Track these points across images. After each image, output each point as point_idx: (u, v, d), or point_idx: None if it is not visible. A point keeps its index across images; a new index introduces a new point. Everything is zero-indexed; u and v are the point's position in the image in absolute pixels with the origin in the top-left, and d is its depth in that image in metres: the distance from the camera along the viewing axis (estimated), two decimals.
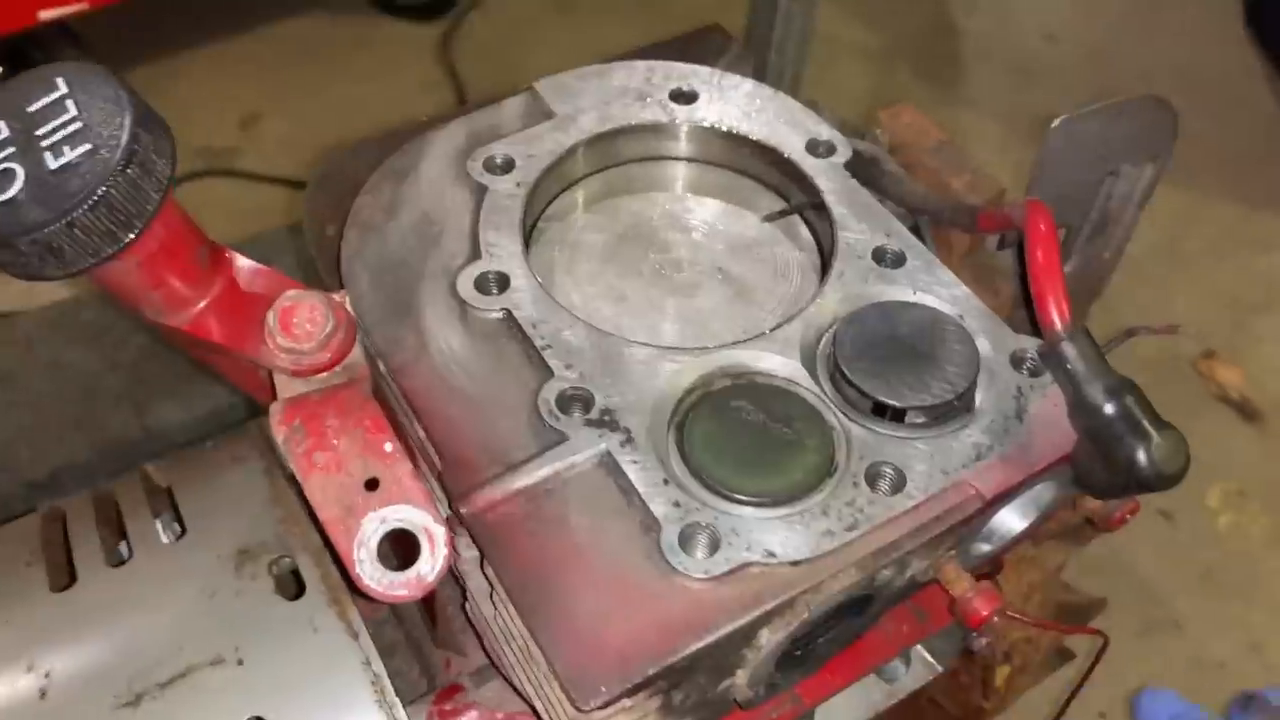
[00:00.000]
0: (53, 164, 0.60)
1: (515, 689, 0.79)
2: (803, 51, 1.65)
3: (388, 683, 0.82)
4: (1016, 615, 0.85)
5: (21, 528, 0.94)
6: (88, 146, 0.61)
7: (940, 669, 0.97)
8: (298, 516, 0.89)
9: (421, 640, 0.99)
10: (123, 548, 0.90)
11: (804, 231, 0.89)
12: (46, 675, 0.81)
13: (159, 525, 0.91)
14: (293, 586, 0.86)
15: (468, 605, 0.80)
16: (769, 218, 0.89)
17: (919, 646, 0.98)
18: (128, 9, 2.60)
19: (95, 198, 0.60)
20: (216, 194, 2.67)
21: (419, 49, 3.16)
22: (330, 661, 0.82)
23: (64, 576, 0.88)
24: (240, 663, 0.82)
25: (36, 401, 1.85)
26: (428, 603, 0.90)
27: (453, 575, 0.83)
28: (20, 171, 0.61)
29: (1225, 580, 2.23)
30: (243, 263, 0.73)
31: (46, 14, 2.40)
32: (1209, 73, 3.29)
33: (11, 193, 0.60)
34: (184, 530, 0.90)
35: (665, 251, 0.87)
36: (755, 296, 0.84)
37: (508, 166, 0.86)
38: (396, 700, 0.82)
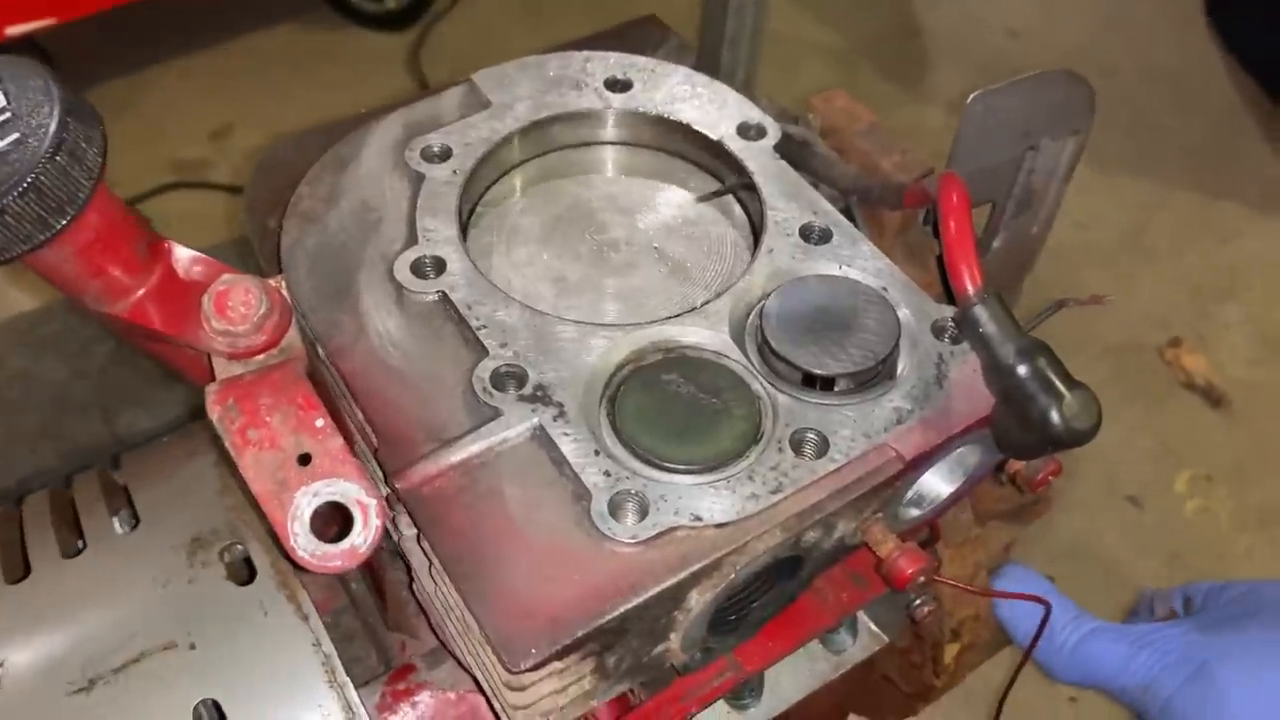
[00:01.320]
0: None
1: (459, 662, 0.81)
2: (755, 46, 1.67)
3: (338, 663, 0.84)
4: (946, 580, 0.87)
5: None
6: (16, 135, 0.62)
7: (887, 639, 0.99)
8: (248, 505, 0.91)
9: (377, 626, 1.00)
10: (78, 542, 0.92)
11: (737, 210, 0.91)
12: (2, 664, 0.83)
13: (113, 518, 0.92)
14: (244, 572, 0.88)
15: (414, 584, 0.82)
16: (703, 198, 0.91)
17: (866, 618, 1.00)
18: (96, 23, 2.62)
19: (24, 184, 0.61)
20: (188, 206, 2.69)
21: (389, 59, 3.19)
22: (281, 644, 0.84)
23: (19, 570, 0.89)
24: (193, 647, 0.84)
25: (4, 411, 1.87)
26: (378, 585, 0.91)
27: (400, 556, 0.85)
28: None
29: (1193, 564, 2.26)
30: (181, 251, 0.75)
31: (13, 29, 2.42)
32: (1171, 66, 3.33)
33: None
34: (138, 522, 0.92)
35: (602, 232, 0.89)
36: (690, 274, 0.86)
37: (445, 155, 0.88)
38: (347, 680, 0.83)
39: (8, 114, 0.63)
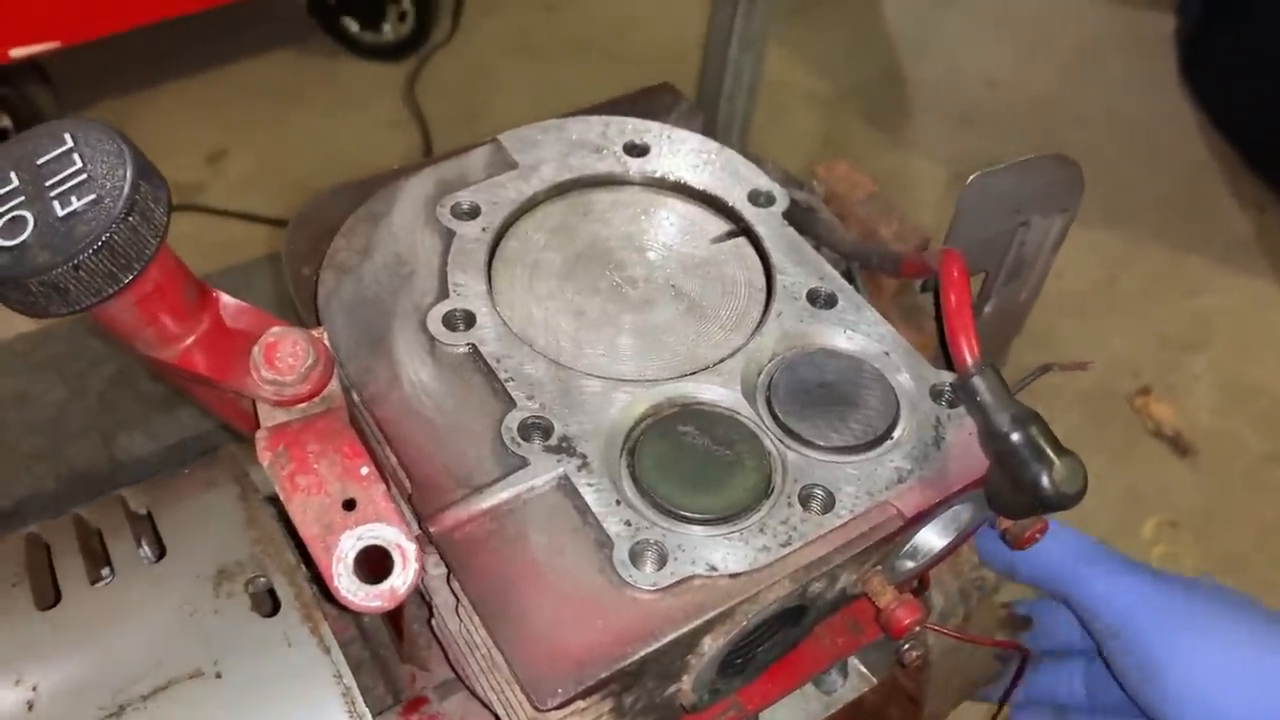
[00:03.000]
0: (60, 212, 0.67)
1: (478, 698, 0.85)
2: (751, 102, 1.75)
3: (358, 694, 0.88)
4: (937, 628, 0.92)
5: (3, 550, 0.99)
6: (93, 196, 0.67)
7: (875, 680, 1.04)
8: (272, 538, 0.94)
9: (387, 657, 1.05)
10: (105, 570, 0.95)
11: (749, 252, 0.96)
12: (34, 689, 0.86)
13: (139, 547, 0.96)
14: (268, 604, 0.92)
15: (433, 621, 0.87)
16: (717, 239, 0.96)
17: (855, 660, 1.05)
18: (97, 47, 2.66)
19: (100, 243, 0.66)
20: (184, 229, 2.71)
21: (385, 88, 3.24)
22: (304, 674, 0.88)
23: (49, 596, 0.92)
24: (219, 675, 0.87)
25: (2, 432, 1.89)
26: (395, 619, 0.96)
27: (419, 593, 0.89)
28: (30, 218, 0.67)
29: None
30: (228, 301, 0.79)
31: (18, 51, 2.45)
32: (1144, 121, 3.44)
33: (22, 238, 0.66)
34: (163, 551, 0.95)
35: (621, 269, 0.94)
36: (705, 312, 0.91)
37: (474, 213, 0.93)
38: (366, 711, 0.87)
39: (84, 175, 0.67)
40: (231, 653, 0.89)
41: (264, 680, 0.88)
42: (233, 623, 0.90)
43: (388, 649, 1.04)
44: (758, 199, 0.96)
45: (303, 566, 0.94)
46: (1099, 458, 2.51)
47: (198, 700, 0.86)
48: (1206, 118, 3.45)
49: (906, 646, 0.99)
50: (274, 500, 1.05)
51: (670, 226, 0.99)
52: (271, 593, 0.93)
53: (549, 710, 0.67)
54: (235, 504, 0.99)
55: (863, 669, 1.05)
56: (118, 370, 1.96)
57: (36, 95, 2.62)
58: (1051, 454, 0.73)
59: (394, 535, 0.70)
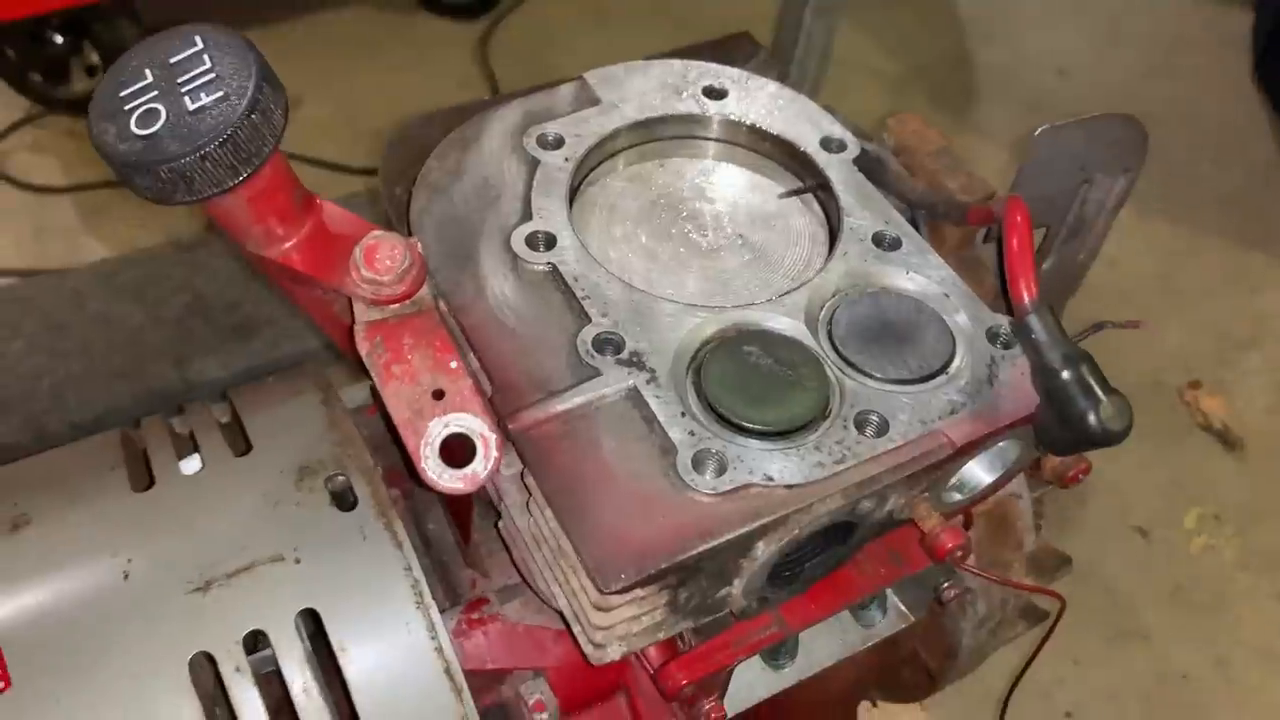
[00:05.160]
0: (190, 106, 0.72)
1: (539, 595, 0.91)
2: (822, 69, 1.77)
3: (425, 587, 0.93)
4: (974, 570, 0.96)
5: (104, 440, 1.06)
6: (220, 93, 0.72)
7: (913, 618, 1.08)
8: (352, 440, 1.00)
9: (448, 563, 1.10)
10: (196, 461, 1.02)
11: (815, 208, 1.00)
12: (129, 561, 0.93)
13: (227, 441, 1.03)
14: (346, 501, 0.98)
15: (501, 523, 0.92)
16: (785, 194, 1.00)
17: (895, 598, 1.10)
18: None
19: (225, 136, 0.71)
20: None
21: (458, 47, 3.30)
22: (376, 566, 0.94)
23: (144, 480, 0.99)
24: (298, 561, 0.93)
25: (85, 351, 1.98)
26: (463, 521, 1.01)
27: (487, 499, 0.95)
28: (163, 111, 0.72)
29: (1195, 598, 2.34)
30: (330, 207, 0.85)
31: None
32: (1214, 116, 3.41)
33: (155, 128, 0.72)
34: (249, 448, 1.02)
35: (693, 217, 0.98)
36: (770, 261, 0.96)
37: (558, 143, 0.98)
38: (432, 603, 0.93)
39: (213, 74, 0.73)
40: (310, 541, 0.95)
41: (339, 568, 0.94)
42: (312, 514, 0.96)
43: (450, 555, 1.10)
44: (830, 145, 1.00)
45: (379, 468, 1.00)
46: (1145, 446, 2.52)
47: (278, 582, 0.93)
48: (1278, 116, 3.41)
49: (946, 584, 1.03)
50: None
51: (741, 180, 1.03)
52: (350, 490, 0.99)
53: (612, 593, 0.73)
54: (318, 409, 1.05)
55: (902, 607, 1.09)
56: (194, 298, 2.04)
57: (126, 32, 2.71)
58: (1100, 392, 0.77)
59: (478, 425, 0.75)
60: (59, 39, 2.76)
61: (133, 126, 0.72)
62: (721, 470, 0.78)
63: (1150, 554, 2.41)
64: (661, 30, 3.38)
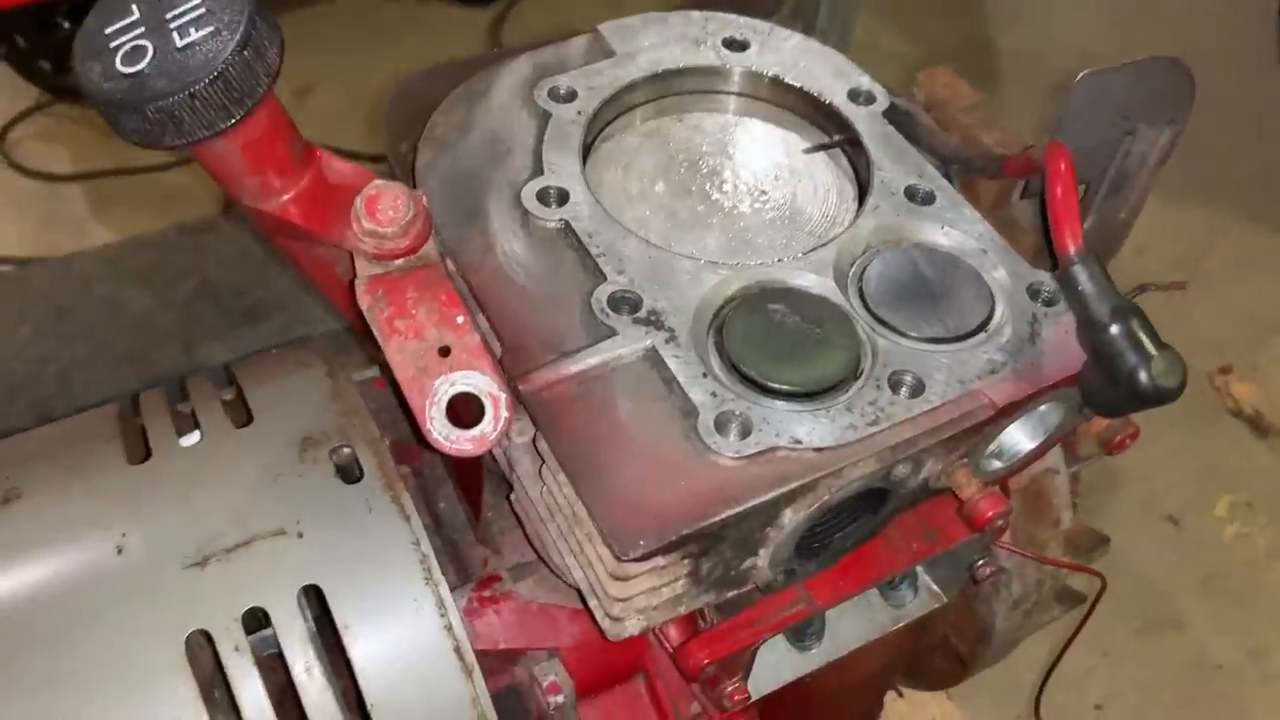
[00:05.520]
0: (179, 42, 0.68)
1: (553, 570, 0.86)
2: (844, 43, 1.72)
3: (434, 562, 0.89)
4: (1012, 547, 0.91)
5: (101, 413, 1.01)
6: (211, 29, 0.68)
7: (945, 598, 1.03)
8: (357, 411, 0.96)
9: (459, 541, 1.06)
10: (195, 433, 0.98)
11: (842, 163, 0.95)
12: (123, 535, 0.88)
13: (227, 413, 0.98)
14: (351, 473, 0.93)
15: (512, 496, 0.87)
16: (810, 150, 0.95)
17: (926, 578, 1.04)
18: None
19: (215, 73, 0.67)
20: None
21: (470, 32, 3.26)
22: (383, 540, 0.89)
23: (140, 452, 0.95)
24: (300, 535, 0.89)
25: (92, 335, 1.94)
26: (473, 494, 0.97)
27: (500, 476, 0.90)
28: (150, 48, 0.68)
29: (1228, 587, 2.27)
30: (329, 158, 0.80)
31: None
32: (1241, 100, 3.33)
33: (141, 65, 0.68)
34: (250, 419, 0.97)
35: (713, 173, 0.94)
36: (794, 219, 0.91)
37: (570, 96, 0.93)
38: (442, 579, 0.88)
39: (203, 9, 0.69)
40: (313, 515, 0.90)
41: (344, 542, 0.89)
42: (316, 487, 0.92)
43: (460, 533, 1.06)
44: (858, 97, 0.95)
45: (386, 439, 0.96)
46: (1175, 433, 2.46)
47: (279, 557, 0.88)
48: None
49: (981, 562, 0.98)
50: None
51: (763, 135, 0.98)
52: (356, 462, 0.94)
53: (630, 561, 0.68)
54: (322, 380, 1.01)
55: (933, 586, 1.04)
56: (201, 282, 2.01)
57: None
58: (1151, 347, 0.72)
59: (486, 383, 0.71)
60: (67, 26, 2.73)
61: (118, 64, 0.68)
62: (746, 433, 0.73)
63: (1181, 543, 2.34)
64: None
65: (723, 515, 0.69)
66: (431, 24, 3.28)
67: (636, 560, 0.68)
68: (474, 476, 0.94)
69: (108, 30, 0.69)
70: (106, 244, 2.09)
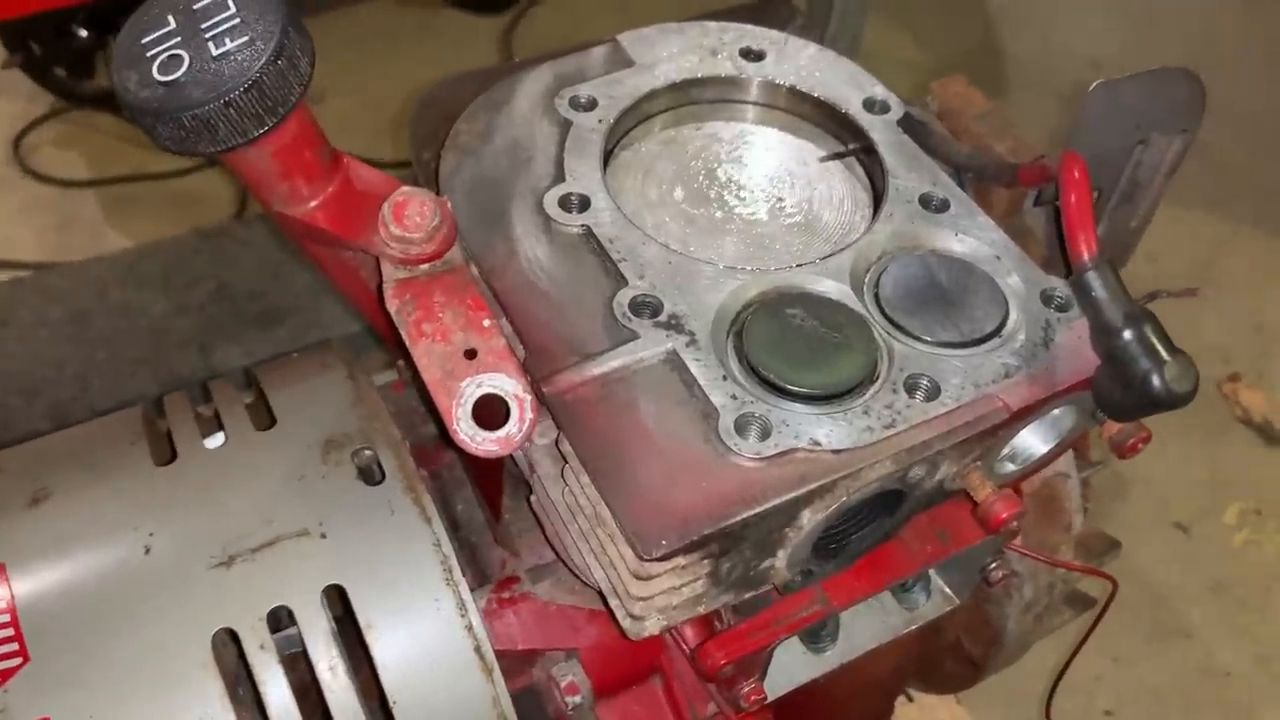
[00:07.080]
0: (214, 52, 0.70)
1: (573, 571, 0.88)
2: (852, 52, 1.74)
3: (455, 563, 0.90)
4: (1023, 550, 0.92)
5: (125, 415, 1.03)
6: (245, 38, 0.70)
7: (958, 601, 1.04)
8: (379, 414, 0.98)
9: (477, 544, 1.07)
10: (219, 436, 0.99)
11: (858, 171, 0.97)
12: (150, 535, 0.90)
13: (250, 416, 1.00)
14: (373, 475, 0.95)
15: (533, 498, 0.89)
16: (826, 158, 0.97)
17: (939, 580, 1.05)
18: None
19: (250, 82, 0.68)
20: None
21: (482, 40, 3.28)
22: (405, 541, 0.91)
23: (166, 454, 0.96)
24: (324, 536, 0.90)
25: (109, 339, 1.96)
26: (493, 500, 0.98)
27: (519, 478, 0.92)
28: (186, 57, 0.70)
29: (1237, 594, 2.28)
30: (357, 165, 0.82)
31: None
32: (1251, 107, 3.34)
33: (177, 74, 0.69)
34: (274, 422, 0.99)
35: (731, 180, 0.95)
36: (811, 226, 0.92)
37: (591, 105, 0.95)
38: (462, 580, 0.90)
39: (237, 19, 0.70)
40: (336, 516, 0.92)
41: (366, 543, 0.91)
42: (339, 488, 0.93)
43: (479, 535, 1.07)
44: (873, 106, 0.96)
45: (407, 442, 0.97)
46: (1184, 441, 2.46)
47: (303, 557, 0.90)
48: None
49: (993, 565, 0.99)
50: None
51: (779, 143, 1.00)
52: (378, 464, 0.96)
53: (653, 560, 0.69)
54: (344, 383, 1.02)
55: (946, 589, 1.05)
56: (218, 286, 2.02)
57: None
58: (1164, 352, 0.73)
59: (512, 385, 0.72)
60: (83, 33, 2.76)
61: (155, 73, 0.70)
62: (765, 434, 0.74)
63: (1191, 550, 2.35)
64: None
65: (743, 515, 0.71)
66: (443, 32, 3.30)
67: (659, 560, 0.69)
68: (494, 478, 0.95)
69: (144, 40, 0.71)
70: (122, 249, 2.11)
